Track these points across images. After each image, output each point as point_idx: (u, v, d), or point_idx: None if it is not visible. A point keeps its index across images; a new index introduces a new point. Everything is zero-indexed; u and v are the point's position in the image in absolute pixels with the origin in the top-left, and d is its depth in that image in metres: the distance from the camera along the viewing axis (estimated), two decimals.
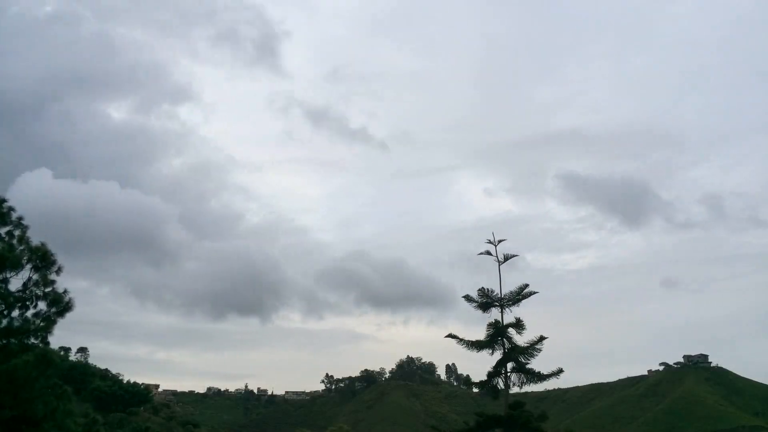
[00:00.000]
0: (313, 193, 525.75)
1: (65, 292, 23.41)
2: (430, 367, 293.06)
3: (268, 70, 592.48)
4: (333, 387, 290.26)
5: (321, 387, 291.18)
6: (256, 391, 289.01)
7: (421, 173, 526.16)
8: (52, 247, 23.43)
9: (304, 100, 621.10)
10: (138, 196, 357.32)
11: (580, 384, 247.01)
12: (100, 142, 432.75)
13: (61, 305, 23.22)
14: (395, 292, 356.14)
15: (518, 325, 22.28)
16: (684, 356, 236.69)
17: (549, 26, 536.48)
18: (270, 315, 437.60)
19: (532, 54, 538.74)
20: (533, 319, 22.49)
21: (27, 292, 22.87)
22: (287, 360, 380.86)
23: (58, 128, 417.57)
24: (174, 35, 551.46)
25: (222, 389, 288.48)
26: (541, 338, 22.19)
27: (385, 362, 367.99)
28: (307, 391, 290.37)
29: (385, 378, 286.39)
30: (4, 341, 22.51)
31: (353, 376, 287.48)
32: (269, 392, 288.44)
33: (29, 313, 22.97)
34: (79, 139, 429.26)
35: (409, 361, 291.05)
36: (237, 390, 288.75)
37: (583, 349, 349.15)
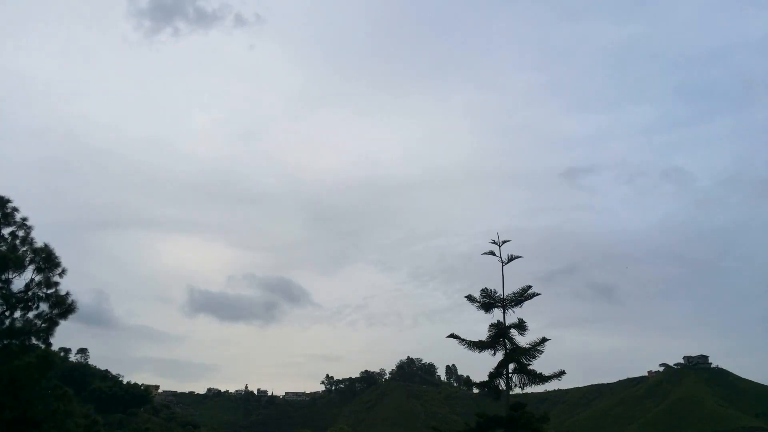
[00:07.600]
0: None
1: (68, 294, 23.34)
2: (431, 368, 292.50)
3: None
4: (333, 388, 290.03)
5: (321, 388, 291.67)
6: (256, 392, 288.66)
7: None
8: None
9: None
10: None
11: (580, 385, 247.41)
12: None
13: (63, 307, 23.13)
14: None
15: (520, 326, 22.23)
16: (684, 357, 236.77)
17: None
18: None
19: None
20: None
21: (29, 293, 22.77)
22: None
23: None
24: None
25: (222, 390, 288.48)
26: (544, 339, 22.11)
27: (386, 363, 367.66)
28: (308, 392, 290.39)
29: (385, 379, 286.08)
30: (6, 342, 22.43)
31: (353, 377, 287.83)
32: (269, 393, 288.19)
33: (31, 314, 22.89)
34: None
35: (409, 362, 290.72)
36: (237, 391, 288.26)
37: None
